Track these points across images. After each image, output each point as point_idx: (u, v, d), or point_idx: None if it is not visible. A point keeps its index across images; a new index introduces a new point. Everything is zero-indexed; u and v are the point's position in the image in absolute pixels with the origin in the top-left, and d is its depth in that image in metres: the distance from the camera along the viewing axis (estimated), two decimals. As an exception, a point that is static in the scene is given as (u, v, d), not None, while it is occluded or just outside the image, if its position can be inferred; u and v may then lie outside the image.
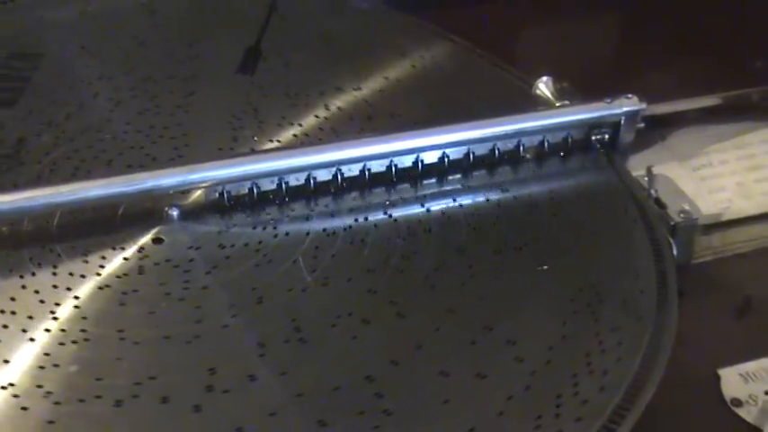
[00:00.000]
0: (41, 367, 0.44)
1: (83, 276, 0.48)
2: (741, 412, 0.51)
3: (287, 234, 0.51)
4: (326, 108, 0.60)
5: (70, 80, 0.62)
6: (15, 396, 0.42)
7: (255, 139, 0.57)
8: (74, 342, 0.45)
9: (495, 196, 0.54)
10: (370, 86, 0.62)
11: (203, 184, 0.52)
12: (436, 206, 0.54)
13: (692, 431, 0.51)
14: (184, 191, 0.52)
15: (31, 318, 0.46)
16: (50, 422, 0.41)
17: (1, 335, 0.45)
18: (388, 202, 0.54)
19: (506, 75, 0.64)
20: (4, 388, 0.43)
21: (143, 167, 0.55)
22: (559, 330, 0.46)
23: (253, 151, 0.55)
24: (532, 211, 0.54)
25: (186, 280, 0.48)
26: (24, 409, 0.42)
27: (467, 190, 0.55)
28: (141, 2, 0.68)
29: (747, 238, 0.61)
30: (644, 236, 0.52)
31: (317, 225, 0.51)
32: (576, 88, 0.60)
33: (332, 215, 0.53)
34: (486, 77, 0.64)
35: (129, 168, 0.54)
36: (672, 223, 0.55)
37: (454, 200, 0.54)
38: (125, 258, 0.49)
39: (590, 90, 0.60)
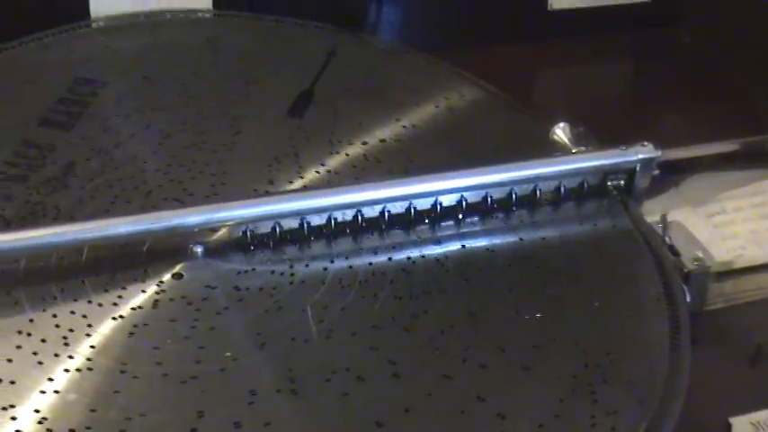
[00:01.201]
0: (42, 392, 0.45)
1: (100, 305, 0.50)
2: None
3: (302, 282, 0.52)
4: (366, 159, 0.60)
5: (127, 109, 0.64)
6: (13, 418, 0.44)
7: (291, 182, 0.58)
8: (78, 370, 0.46)
9: (511, 239, 0.56)
10: (400, 133, 0.63)
11: (227, 223, 0.53)
12: (453, 247, 0.55)
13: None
14: (209, 229, 0.53)
15: (44, 341, 0.48)
16: None
17: (14, 355, 0.47)
18: (406, 245, 0.55)
19: (526, 118, 0.65)
20: (4, 408, 0.44)
21: (178, 201, 0.56)
22: (554, 408, 0.46)
23: (275, 192, 0.56)
24: (547, 258, 0.55)
25: (196, 318, 0.49)
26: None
27: (483, 233, 0.56)
28: (207, 37, 0.69)
29: (759, 286, 0.62)
30: (658, 283, 0.53)
31: (333, 274, 0.52)
32: (592, 130, 0.60)
33: (351, 260, 0.54)
34: (506, 121, 0.65)
35: (165, 201, 0.57)
36: (686, 270, 0.56)
37: (463, 246, 0.55)
38: (143, 291, 0.51)
39: (606, 132, 0.61)
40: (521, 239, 0.56)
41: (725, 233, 0.63)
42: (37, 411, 0.44)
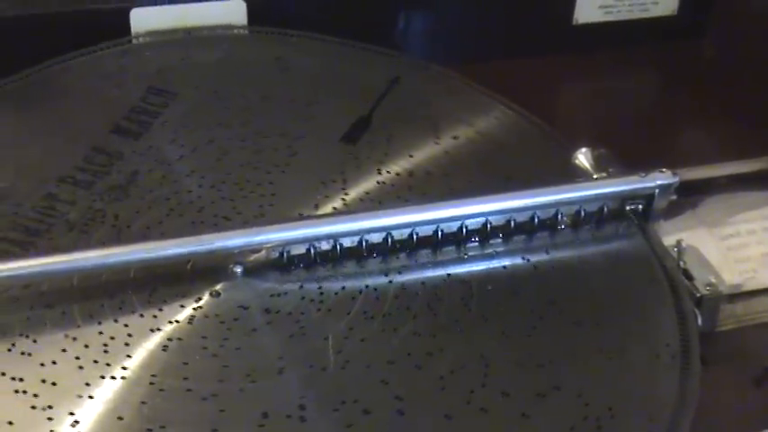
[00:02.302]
0: (79, 396, 0.50)
1: (141, 316, 0.54)
2: None
3: (329, 310, 0.56)
4: (409, 190, 0.64)
5: (193, 122, 0.68)
6: (49, 419, 0.49)
7: (334, 208, 0.62)
8: (112, 378, 0.51)
9: (531, 262, 0.60)
10: (446, 165, 0.67)
11: (266, 246, 0.57)
12: (477, 267, 0.60)
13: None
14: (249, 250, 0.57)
15: (86, 347, 0.53)
16: None
17: (59, 358, 0.52)
18: (434, 267, 0.59)
19: (550, 142, 0.68)
20: (43, 409, 0.49)
21: (227, 219, 0.61)
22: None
23: (309, 216, 0.60)
24: (564, 281, 0.59)
25: (225, 338, 0.54)
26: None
27: (506, 254, 0.60)
28: (277, 56, 0.73)
29: None
30: (671, 305, 0.57)
31: (360, 304, 0.56)
32: (614, 145, 0.64)
33: (379, 290, 0.58)
34: (532, 143, 0.69)
35: (215, 217, 0.61)
36: (698, 295, 0.58)
37: (487, 267, 0.60)
38: (182, 306, 0.55)
39: (627, 147, 0.65)
40: (535, 261, 0.60)
41: (738, 256, 0.67)
42: (71, 414, 0.49)
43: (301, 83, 0.72)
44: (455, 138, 0.68)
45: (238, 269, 0.57)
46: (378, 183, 0.65)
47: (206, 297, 0.56)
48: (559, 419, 0.51)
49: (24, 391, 0.50)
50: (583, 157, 0.64)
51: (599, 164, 0.64)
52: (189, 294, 0.56)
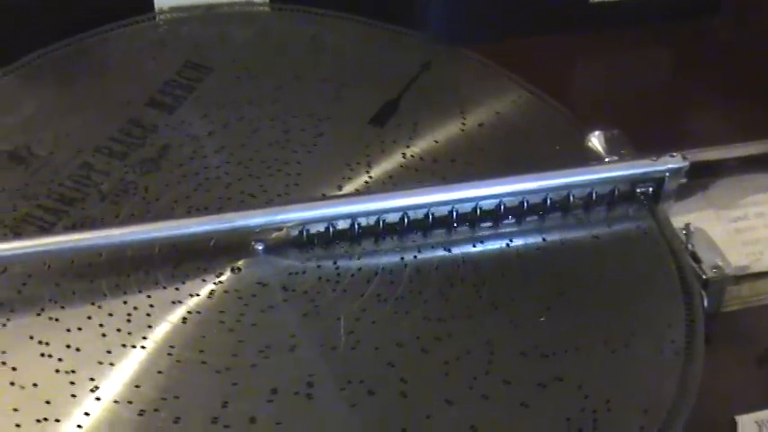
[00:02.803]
0: (100, 362, 0.53)
1: (164, 288, 0.57)
2: None
3: (344, 291, 0.58)
4: (432, 174, 0.66)
5: (225, 98, 0.70)
6: (72, 383, 0.52)
7: (357, 190, 0.64)
8: (133, 346, 0.54)
9: (540, 242, 0.62)
10: (470, 154, 0.68)
11: (286, 225, 0.60)
12: (492, 246, 0.62)
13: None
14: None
15: (111, 315, 0.56)
16: (86, 413, 0.51)
17: (84, 325, 0.55)
18: (448, 245, 0.62)
19: (566, 125, 0.70)
20: (66, 373, 0.52)
21: (252, 197, 0.63)
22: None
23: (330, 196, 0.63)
24: (573, 266, 0.61)
25: (242, 313, 0.56)
26: (73, 396, 0.52)
27: (519, 234, 0.62)
28: (311, 35, 0.75)
29: None
30: (677, 287, 0.59)
31: (375, 287, 0.58)
32: (627, 124, 0.66)
33: (394, 274, 0.59)
34: (547, 123, 0.70)
35: (241, 194, 0.64)
36: (704, 277, 0.60)
37: (508, 244, 0.62)
38: (203, 280, 0.58)
39: (640, 126, 0.68)
40: (547, 241, 0.62)
41: (745, 238, 0.69)
42: (92, 380, 0.52)
43: (333, 63, 0.73)
44: (480, 125, 0.70)
45: (260, 246, 0.59)
46: (401, 166, 0.66)
47: (227, 273, 0.58)
48: (557, 410, 0.53)
49: (50, 355, 0.53)
50: (596, 140, 0.66)
51: (611, 146, 0.66)
52: (211, 270, 0.58)
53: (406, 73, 0.73)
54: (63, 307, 0.55)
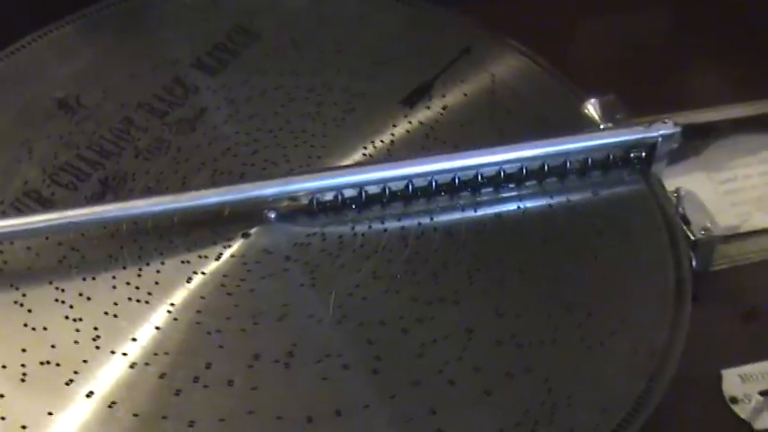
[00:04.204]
0: (105, 313, 0.59)
1: (176, 247, 0.62)
2: (736, 409, 0.62)
3: (342, 266, 0.62)
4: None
5: (268, 66, 0.73)
6: (77, 330, 0.57)
7: (371, 167, 0.67)
8: (138, 301, 0.59)
9: (536, 206, 0.66)
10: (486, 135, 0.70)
11: (298, 194, 0.64)
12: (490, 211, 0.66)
13: (692, 424, 0.61)
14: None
15: (124, 268, 0.61)
16: (84, 360, 0.57)
17: (98, 276, 0.61)
18: (449, 211, 0.66)
19: (562, 88, 0.73)
20: (75, 320, 0.58)
21: (274, 164, 0.67)
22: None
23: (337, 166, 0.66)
24: (566, 227, 0.65)
25: (243, 279, 0.60)
26: (76, 342, 0.57)
27: (517, 198, 0.67)
28: (359, 12, 0.78)
29: (762, 249, 0.70)
30: (668, 249, 0.62)
31: (371, 265, 0.62)
32: (623, 88, 0.70)
33: (395, 252, 0.63)
34: (544, 89, 0.73)
35: (265, 162, 0.68)
36: (693, 239, 0.64)
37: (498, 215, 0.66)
38: (213, 243, 0.62)
39: (636, 89, 0.72)
40: (550, 206, 0.66)
41: (734, 199, 0.73)
42: (95, 329, 0.58)
43: (376, 41, 0.75)
44: (509, 112, 0.72)
45: (272, 215, 0.63)
46: (423, 148, 0.69)
47: (238, 238, 0.62)
48: (518, 401, 0.56)
49: (63, 301, 0.59)
50: (591, 108, 0.70)
51: (606, 112, 0.69)
52: (223, 235, 0.63)
53: (446, 56, 0.75)
54: (83, 257, 0.60)
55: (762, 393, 0.62)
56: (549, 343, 0.59)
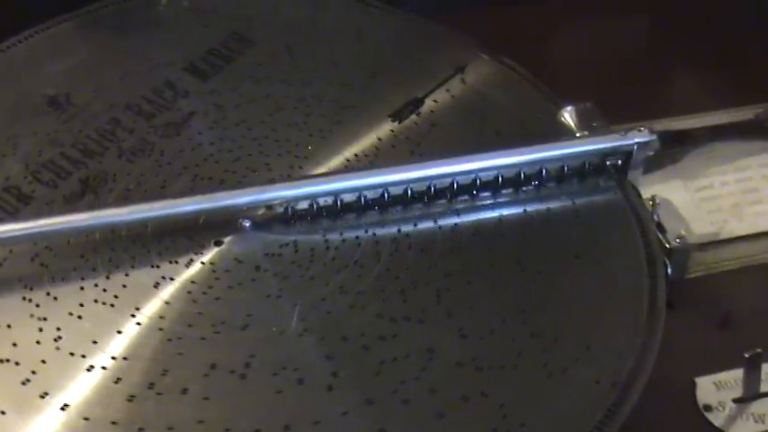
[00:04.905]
0: (70, 314, 0.59)
1: (148, 252, 0.63)
2: (710, 417, 0.62)
3: (311, 279, 0.62)
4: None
5: (260, 74, 0.74)
6: (40, 330, 0.58)
7: (352, 180, 0.68)
8: (103, 303, 0.60)
9: (512, 213, 0.66)
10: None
11: (272, 203, 0.64)
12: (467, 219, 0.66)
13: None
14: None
15: (94, 270, 0.62)
16: (42, 361, 0.58)
17: (67, 277, 0.61)
18: (426, 218, 0.66)
19: (539, 95, 0.73)
20: (39, 319, 0.59)
21: (255, 173, 0.68)
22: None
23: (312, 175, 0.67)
24: (542, 235, 0.65)
25: (210, 286, 0.61)
26: (38, 342, 0.58)
27: (494, 207, 0.67)
28: (357, 25, 0.78)
29: (736, 256, 0.71)
30: (642, 256, 0.63)
31: (340, 279, 0.62)
32: (601, 96, 0.70)
33: (366, 267, 0.63)
34: (520, 96, 0.73)
35: (247, 170, 0.68)
36: (668, 246, 0.65)
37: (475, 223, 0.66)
38: (186, 250, 0.63)
39: (614, 97, 0.72)
40: (526, 211, 0.66)
41: (711, 207, 0.74)
42: (58, 329, 0.59)
43: (372, 54, 0.76)
44: (498, 133, 0.72)
45: (246, 223, 0.64)
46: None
47: (211, 246, 0.63)
48: (470, 425, 0.56)
49: (30, 300, 0.60)
50: (568, 116, 0.70)
51: (583, 120, 0.69)
52: (196, 241, 0.63)
53: (440, 74, 0.75)
54: (55, 255, 0.61)
55: (736, 401, 0.62)
56: (509, 367, 0.58)
